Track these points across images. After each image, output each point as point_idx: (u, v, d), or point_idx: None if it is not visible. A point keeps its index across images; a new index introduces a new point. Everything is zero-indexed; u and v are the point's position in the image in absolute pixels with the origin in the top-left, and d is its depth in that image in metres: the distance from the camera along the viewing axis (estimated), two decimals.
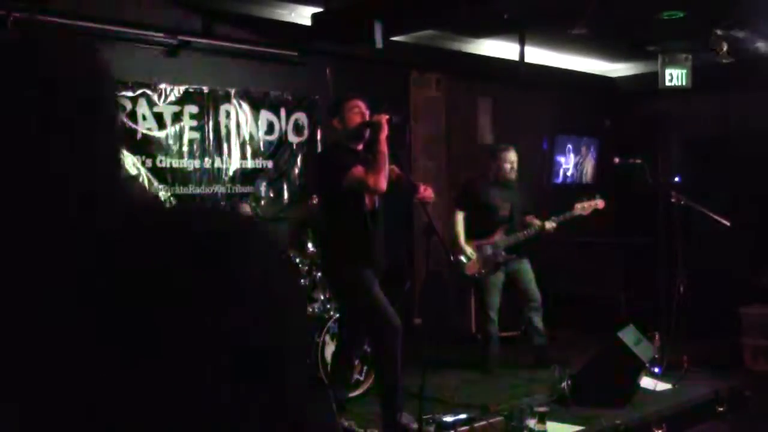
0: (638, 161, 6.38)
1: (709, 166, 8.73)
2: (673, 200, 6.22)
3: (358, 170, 4.43)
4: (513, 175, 6.30)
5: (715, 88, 8.32)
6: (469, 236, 6.22)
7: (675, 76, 7.54)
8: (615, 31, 7.43)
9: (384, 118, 4.46)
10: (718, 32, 6.57)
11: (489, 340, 6.26)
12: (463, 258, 6.15)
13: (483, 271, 6.17)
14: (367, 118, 4.58)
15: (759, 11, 6.30)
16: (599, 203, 6.25)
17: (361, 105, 4.60)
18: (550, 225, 6.20)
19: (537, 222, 6.26)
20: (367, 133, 4.52)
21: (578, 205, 6.21)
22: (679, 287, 6.12)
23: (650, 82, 7.96)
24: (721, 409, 5.43)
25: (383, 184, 4.43)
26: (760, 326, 6.59)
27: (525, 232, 6.24)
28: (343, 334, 4.90)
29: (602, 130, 9.74)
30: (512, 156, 6.28)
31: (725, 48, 6.62)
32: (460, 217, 6.27)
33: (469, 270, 6.15)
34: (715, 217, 6.13)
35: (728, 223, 6.11)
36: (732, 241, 7.21)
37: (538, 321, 6.27)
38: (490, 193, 6.27)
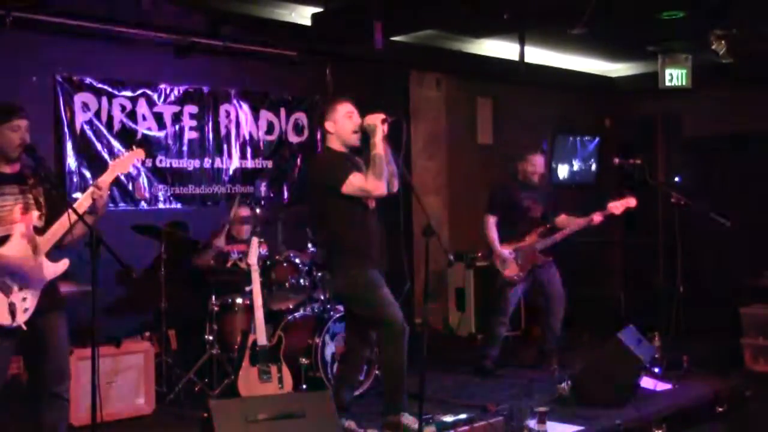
0: (638, 161, 6.37)
1: (709, 166, 8.73)
2: (673, 200, 6.21)
3: (357, 178, 4.38)
4: (538, 178, 6.27)
5: (715, 88, 8.32)
6: (504, 240, 6.14)
7: (675, 76, 7.54)
8: (615, 31, 7.43)
9: (379, 118, 4.39)
10: (718, 32, 6.57)
11: (495, 342, 6.23)
12: (501, 262, 6.09)
13: (521, 273, 6.12)
14: (358, 119, 4.51)
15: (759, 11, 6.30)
16: (631, 201, 6.19)
17: (352, 107, 4.54)
18: (597, 218, 6.10)
19: (579, 219, 6.19)
20: (358, 139, 4.50)
21: (611, 204, 6.15)
22: (679, 287, 6.12)
23: (650, 82, 7.96)
24: (721, 409, 5.42)
25: (383, 188, 4.39)
26: (760, 326, 6.59)
27: (561, 233, 6.20)
28: (350, 335, 4.88)
29: (602, 130, 9.74)
30: (537, 160, 6.27)
31: (725, 48, 6.61)
32: (492, 221, 6.16)
33: (507, 274, 6.09)
34: (715, 217, 6.12)
35: (728, 223, 6.11)
36: (732, 241, 7.21)
37: (557, 325, 6.24)
38: (521, 195, 6.22)
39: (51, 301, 3.70)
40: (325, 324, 5.50)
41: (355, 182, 4.37)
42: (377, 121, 4.38)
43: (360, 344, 4.78)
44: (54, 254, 3.71)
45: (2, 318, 3.51)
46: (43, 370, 3.71)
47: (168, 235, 5.61)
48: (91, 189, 3.70)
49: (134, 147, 4.09)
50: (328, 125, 4.56)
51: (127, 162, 3.93)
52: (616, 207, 6.14)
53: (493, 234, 6.13)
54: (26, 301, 3.57)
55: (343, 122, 4.52)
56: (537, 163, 6.25)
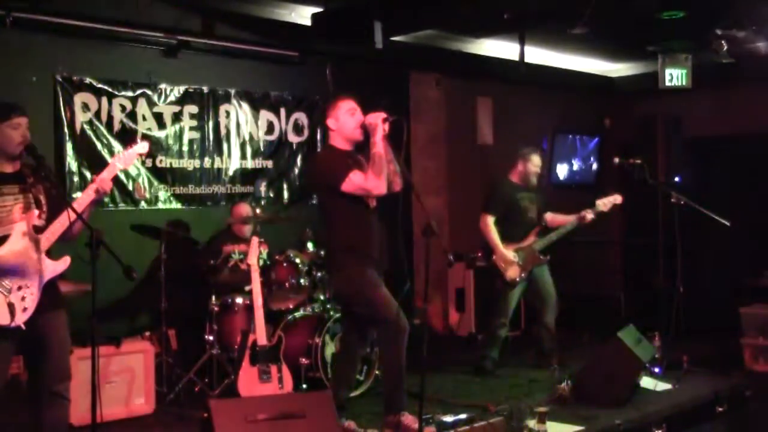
0: (638, 161, 6.37)
1: (709, 166, 8.73)
2: (673, 200, 6.21)
3: (357, 176, 4.38)
4: (536, 178, 6.27)
5: (715, 88, 8.32)
6: (504, 241, 6.10)
7: (675, 76, 7.53)
8: (615, 31, 7.43)
9: (380, 117, 4.39)
10: (718, 32, 6.57)
11: (496, 343, 6.23)
12: (504, 263, 6.07)
13: (523, 275, 6.11)
14: (361, 116, 4.52)
15: (759, 11, 6.30)
16: (617, 198, 6.20)
17: (354, 104, 4.53)
18: (589, 216, 6.12)
19: (569, 217, 6.21)
20: (361, 134, 4.49)
21: (599, 202, 6.16)
22: (679, 287, 6.12)
23: (650, 82, 7.96)
24: (721, 409, 5.42)
25: (383, 188, 4.39)
26: (760, 326, 6.59)
27: (558, 232, 6.20)
28: (347, 333, 4.88)
29: (602, 130, 9.75)
30: (539, 160, 6.26)
31: (725, 48, 6.61)
32: (491, 221, 6.11)
33: (510, 275, 6.06)
34: (715, 217, 6.12)
35: (728, 223, 6.11)
36: (732, 241, 7.21)
37: (552, 323, 6.24)
38: (518, 195, 6.21)
39: (51, 300, 3.69)
40: (325, 324, 5.50)
41: (355, 180, 4.37)
42: (378, 120, 4.38)
43: (357, 343, 4.78)
44: (55, 252, 3.71)
45: (1, 318, 3.50)
46: (43, 369, 3.70)
47: (168, 235, 5.61)
48: (92, 186, 3.70)
49: (139, 140, 4.08)
50: (330, 122, 4.56)
51: (131, 156, 3.92)
52: (604, 204, 6.16)
53: (494, 234, 6.09)
54: (26, 301, 3.56)
55: (346, 119, 4.51)
56: (538, 163, 6.25)
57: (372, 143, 4.39)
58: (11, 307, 3.52)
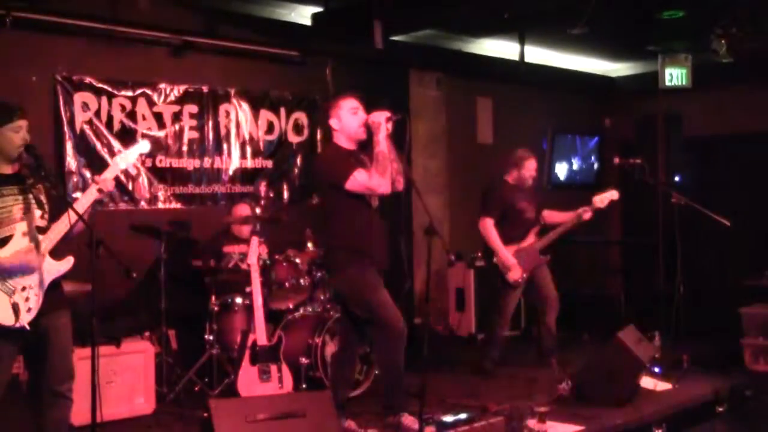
0: (638, 161, 6.37)
1: (709, 165, 8.74)
2: (673, 200, 6.21)
3: (361, 174, 4.38)
4: (531, 181, 6.26)
5: (715, 88, 8.33)
6: (504, 243, 6.04)
7: (675, 76, 7.54)
8: (615, 31, 7.43)
9: (383, 116, 4.39)
10: (718, 32, 6.57)
11: (496, 343, 6.23)
12: (506, 265, 6.03)
13: (525, 276, 6.10)
14: (364, 115, 4.51)
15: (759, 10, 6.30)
16: (614, 194, 6.19)
17: (357, 103, 4.53)
18: (587, 214, 6.11)
19: (567, 214, 6.20)
20: (364, 133, 4.48)
21: (596, 198, 6.15)
22: (679, 287, 6.12)
23: (650, 82, 7.96)
24: (721, 409, 5.42)
25: (387, 186, 4.39)
26: (760, 326, 6.59)
27: (557, 231, 6.19)
28: (345, 333, 4.88)
29: (602, 129, 9.75)
30: (533, 164, 6.24)
31: (725, 48, 6.61)
32: (491, 224, 6.06)
33: (512, 277, 6.02)
34: (715, 217, 6.12)
35: (728, 223, 6.11)
36: (732, 241, 7.21)
37: (552, 323, 6.23)
38: (515, 196, 6.19)
39: (55, 300, 3.68)
40: (325, 324, 5.50)
41: (359, 179, 4.37)
42: (382, 119, 4.38)
43: (355, 342, 4.78)
44: (59, 252, 3.70)
45: (6, 319, 3.50)
46: (46, 369, 3.69)
47: (168, 235, 5.61)
48: (94, 186, 3.70)
49: (140, 139, 4.07)
50: (333, 122, 4.56)
51: (132, 155, 3.92)
52: (601, 201, 6.13)
53: (495, 236, 6.04)
54: (30, 301, 3.56)
55: (348, 118, 4.51)
56: (533, 167, 6.24)
57: (375, 142, 4.39)
58: (15, 307, 3.51)
